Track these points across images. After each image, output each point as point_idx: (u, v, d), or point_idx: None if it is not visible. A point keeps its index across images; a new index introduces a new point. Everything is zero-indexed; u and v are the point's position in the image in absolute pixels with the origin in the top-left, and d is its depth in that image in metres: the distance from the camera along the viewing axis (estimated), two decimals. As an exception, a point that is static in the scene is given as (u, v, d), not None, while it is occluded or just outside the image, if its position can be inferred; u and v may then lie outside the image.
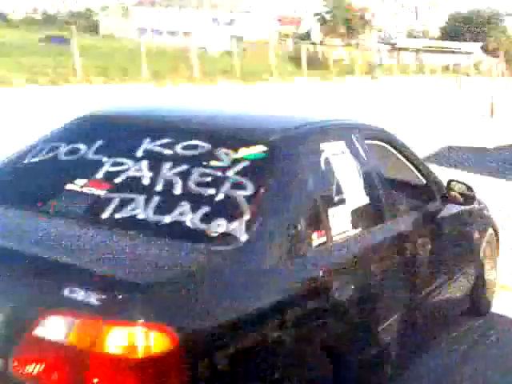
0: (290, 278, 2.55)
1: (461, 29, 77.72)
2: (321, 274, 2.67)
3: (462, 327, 4.55)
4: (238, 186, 2.67)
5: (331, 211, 2.91)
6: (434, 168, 4.52)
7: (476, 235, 4.62)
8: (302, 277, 2.61)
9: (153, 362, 1.96)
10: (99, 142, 3.13)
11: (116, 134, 3.31)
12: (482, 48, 71.23)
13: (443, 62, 59.52)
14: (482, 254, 4.74)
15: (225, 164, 2.79)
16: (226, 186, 2.67)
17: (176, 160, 2.87)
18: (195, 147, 2.93)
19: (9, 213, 2.82)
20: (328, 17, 55.50)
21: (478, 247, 4.68)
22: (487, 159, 12.07)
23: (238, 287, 2.30)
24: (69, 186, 2.87)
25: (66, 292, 2.03)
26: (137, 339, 1.96)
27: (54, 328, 2.03)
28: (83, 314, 2.01)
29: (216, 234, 2.45)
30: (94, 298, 1.99)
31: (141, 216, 2.59)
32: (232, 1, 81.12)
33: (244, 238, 2.42)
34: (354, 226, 3.02)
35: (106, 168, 2.92)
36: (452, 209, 4.15)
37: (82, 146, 3.13)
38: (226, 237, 2.44)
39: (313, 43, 52.30)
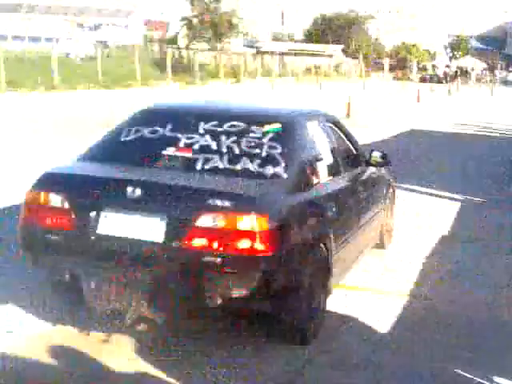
0: (307, 197, 4.54)
1: (324, 32, 79.89)
2: (318, 196, 4.73)
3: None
4: (272, 147, 4.57)
5: (318, 164, 4.84)
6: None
7: (383, 189, 6.62)
8: (311, 197, 4.60)
9: (262, 233, 3.89)
10: (169, 125, 4.89)
11: (178, 119, 5.06)
12: (342, 50, 74.00)
13: (306, 64, 61.75)
14: (386, 202, 6.67)
15: (258, 135, 4.69)
16: (265, 147, 4.58)
17: (227, 134, 4.72)
18: (235, 126, 4.80)
19: (134, 168, 4.59)
20: (195, 21, 55.94)
21: (384, 197, 6.61)
22: None
23: (286, 200, 4.28)
24: (165, 152, 4.62)
25: (210, 201, 3.94)
26: (253, 222, 3.88)
27: (208, 220, 3.93)
28: (224, 212, 3.90)
29: (269, 174, 4.36)
30: (228, 203, 3.91)
31: (221, 166, 4.43)
32: (99, 6, 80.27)
33: (285, 176, 4.37)
34: (327, 174, 4.98)
35: (184, 141, 4.69)
36: (370, 170, 6.17)
37: (158, 128, 4.88)
38: (275, 176, 4.36)
39: (179, 48, 52.87)
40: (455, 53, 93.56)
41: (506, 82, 71.12)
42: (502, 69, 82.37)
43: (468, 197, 9.83)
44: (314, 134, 5.11)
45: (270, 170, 4.40)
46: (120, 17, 72.98)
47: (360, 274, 5.95)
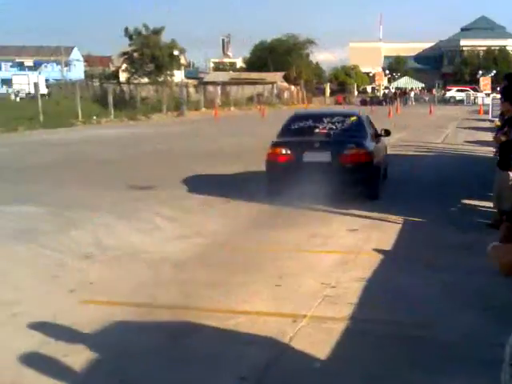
0: (375, 145, 11.91)
1: (264, 59, 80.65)
2: (377, 145, 12.18)
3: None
4: (361, 128, 11.99)
5: (372, 135, 12.15)
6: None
7: (385, 144, 13.63)
8: (376, 145, 12.10)
9: (367, 154, 11.17)
10: (310, 120, 12.24)
11: (312, 117, 12.66)
12: (284, 77, 74.87)
13: (249, 92, 62.31)
14: (385, 147, 13.63)
15: (349, 122, 12.06)
16: (356, 129, 11.91)
17: (337, 122, 11.92)
18: (338, 118, 12.10)
19: (306, 137, 11.72)
20: (135, 55, 55.84)
21: (385, 147, 13.68)
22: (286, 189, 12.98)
23: (371, 145, 11.61)
24: (315, 131, 11.77)
25: (348, 145, 11.23)
26: (362, 152, 11.14)
27: (347, 151, 11.12)
28: (353, 148, 11.15)
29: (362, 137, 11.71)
30: (354, 145, 11.21)
31: (335, 140, 11.49)
32: (39, 44, 79.68)
33: (369, 138, 11.78)
34: (373, 141, 11.87)
35: (320, 126, 11.81)
36: (382, 138, 13.10)
37: (308, 122, 12.17)
38: (364, 137, 11.69)
39: (120, 83, 52.73)
40: (394, 74, 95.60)
41: (443, 101, 72.92)
42: (439, 87, 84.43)
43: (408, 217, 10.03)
44: (368, 121, 12.76)
45: (361, 135, 11.69)
46: (60, 54, 72.37)
47: (299, 299, 6.02)
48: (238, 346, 5.06)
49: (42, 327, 5.38)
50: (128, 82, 52.70)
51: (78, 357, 4.80)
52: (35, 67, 70.48)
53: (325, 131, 11.63)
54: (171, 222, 9.65)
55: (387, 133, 12.93)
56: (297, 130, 11.92)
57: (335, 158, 10.97)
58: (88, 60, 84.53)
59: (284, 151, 11.31)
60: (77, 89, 38.30)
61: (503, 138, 8.50)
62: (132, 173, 15.24)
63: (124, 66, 58.17)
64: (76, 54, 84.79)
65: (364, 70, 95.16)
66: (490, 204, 9.72)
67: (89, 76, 64.63)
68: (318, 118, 12.28)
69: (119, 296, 6.24)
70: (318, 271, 7.07)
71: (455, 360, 4.81)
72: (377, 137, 12.44)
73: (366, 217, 10.01)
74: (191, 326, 5.47)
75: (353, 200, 11.23)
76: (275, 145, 11.47)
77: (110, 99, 39.14)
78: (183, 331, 5.39)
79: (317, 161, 10.89)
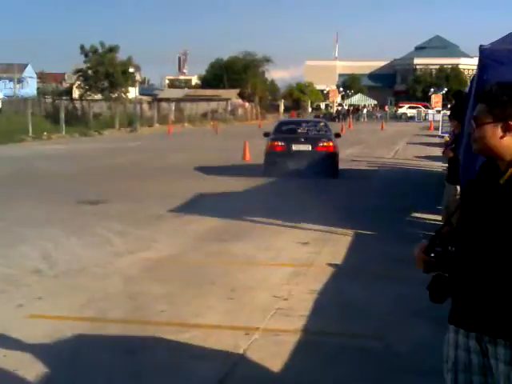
0: (336, 140, 18.83)
1: (220, 76, 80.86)
2: (336, 142, 18.91)
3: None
4: (324, 128, 18.86)
5: (332, 135, 19.11)
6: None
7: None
8: (336, 140, 18.85)
9: (332, 146, 17.90)
10: (293, 125, 19.59)
11: (293, 123, 20.44)
12: (239, 94, 75.13)
13: (203, 109, 62.32)
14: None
15: (319, 126, 19.01)
16: (324, 130, 18.64)
17: (311, 125, 18.87)
18: (312, 123, 19.51)
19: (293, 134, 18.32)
20: (90, 72, 55.41)
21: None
22: (236, 203, 12.94)
23: (334, 140, 18.49)
24: (298, 131, 18.49)
25: (321, 139, 18.17)
26: (330, 145, 17.92)
27: (321, 143, 17.89)
28: (325, 141, 17.97)
29: (328, 135, 18.38)
30: (326, 139, 18.10)
31: (314, 134, 18.28)
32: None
33: (332, 136, 18.36)
34: (334, 138, 18.61)
35: (301, 128, 18.57)
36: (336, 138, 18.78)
37: (291, 126, 19.41)
38: (329, 135, 18.35)
39: (73, 99, 52.21)
40: (348, 91, 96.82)
41: (395, 117, 74.11)
42: (391, 104, 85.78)
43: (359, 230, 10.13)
44: (329, 126, 19.29)
45: (327, 135, 18.10)
46: (13, 71, 71.31)
47: (252, 312, 6.01)
48: (191, 360, 5.01)
49: (-12, 342, 5.26)
50: (81, 98, 52.23)
51: (28, 371, 4.70)
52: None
53: (305, 131, 18.45)
54: (121, 237, 9.55)
55: (338, 135, 19.10)
56: (285, 131, 18.82)
57: (314, 147, 17.52)
58: (41, 77, 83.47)
59: (279, 143, 17.77)
60: (28, 105, 37.78)
61: (451, 154, 8.66)
62: (82, 188, 15.05)
63: (78, 82, 57.67)
64: (30, 71, 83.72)
65: (318, 87, 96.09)
66: (439, 217, 9.87)
67: (41, 93, 63.78)
68: (297, 123, 20.29)
69: (69, 311, 6.13)
70: (271, 284, 7.07)
71: (409, 371, 4.84)
72: (335, 136, 18.50)
73: (317, 230, 10.06)
74: (143, 341, 5.40)
75: (304, 213, 11.31)
76: (273, 140, 17.99)
77: (62, 115, 38.70)
78: (135, 346, 5.32)
79: (301, 149, 17.57)
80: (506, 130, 2.51)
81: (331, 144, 17.50)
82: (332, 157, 17.32)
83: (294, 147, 17.43)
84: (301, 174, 16.41)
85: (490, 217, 2.51)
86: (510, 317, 2.44)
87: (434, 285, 2.71)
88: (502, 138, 2.52)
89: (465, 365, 2.63)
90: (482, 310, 2.52)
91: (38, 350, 5.12)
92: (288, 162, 16.96)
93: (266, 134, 18.79)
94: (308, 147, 17.46)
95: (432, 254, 2.69)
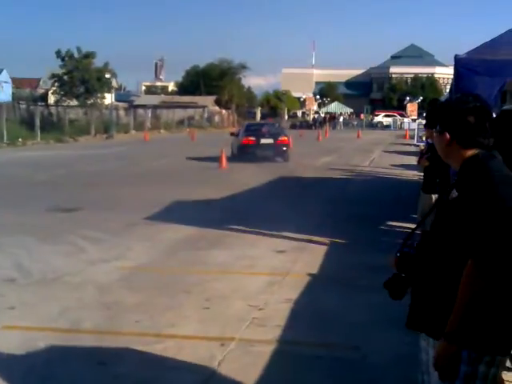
0: (287, 134, 28.44)
1: (196, 83, 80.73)
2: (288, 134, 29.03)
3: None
4: (279, 128, 29.44)
5: (285, 132, 29.98)
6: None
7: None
8: (288, 134, 28.90)
9: (287, 140, 26.61)
10: (257, 126, 29.20)
11: (257, 125, 30.84)
12: (215, 101, 75.08)
13: (179, 116, 62.21)
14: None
15: (276, 127, 29.62)
16: (279, 128, 29.04)
17: (269, 127, 28.00)
18: (271, 125, 29.53)
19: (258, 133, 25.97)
20: (66, 78, 55.07)
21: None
22: (212, 211, 12.99)
23: (287, 134, 28.03)
24: (261, 130, 26.31)
25: (280, 135, 26.57)
26: (285, 139, 26.22)
27: (280, 138, 25.98)
28: (282, 136, 26.39)
29: (283, 133, 27.26)
30: (283, 135, 26.53)
31: (273, 132, 26.35)
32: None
33: (285, 133, 27.64)
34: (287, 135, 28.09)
35: (263, 128, 26.76)
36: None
37: (256, 126, 28.24)
38: (284, 133, 27.05)
39: (48, 105, 51.80)
40: (324, 99, 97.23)
41: (371, 126, 74.53)
42: (367, 112, 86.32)
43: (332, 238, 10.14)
44: (280, 126, 32.49)
45: (283, 132, 26.69)
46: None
47: (227, 322, 5.98)
48: (165, 372, 4.97)
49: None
50: (56, 104, 51.86)
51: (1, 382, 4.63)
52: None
53: (266, 130, 26.29)
54: (95, 245, 9.47)
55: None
56: (252, 130, 26.41)
57: (275, 141, 25.16)
58: (16, 82, 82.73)
59: (250, 138, 25.19)
60: (3, 110, 37.42)
61: (426, 163, 8.71)
62: (56, 195, 14.93)
63: (53, 88, 57.26)
64: (4, 76, 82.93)
65: (295, 94, 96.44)
66: (414, 226, 9.90)
67: (17, 98, 63.21)
68: (261, 124, 30.50)
69: (42, 321, 6.06)
70: (246, 293, 7.04)
71: (386, 382, 4.84)
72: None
73: (292, 238, 10.06)
74: (118, 351, 5.34)
75: (280, 221, 11.31)
76: (245, 136, 25.34)
77: (37, 121, 38.42)
78: (109, 356, 5.26)
79: (266, 143, 25.06)
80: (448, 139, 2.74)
81: (286, 138, 25.74)
82: (286, 147, 25.35)
83: (262, 141, 25.13)
84: (266, 159, 24.28)
85: (443, 225, 2.70)
86: (441, 317, 2.60)
87: (390, 283, 2.89)
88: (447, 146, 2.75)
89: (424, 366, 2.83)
90: (424, 311, 2.72)
91: (11, 362, 5.05)
92: (257, 151, 24.90)
93: (233, 134, 27.70)
94: (271, 141, 25.18)
95: (398, 254, 2.90)
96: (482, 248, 2.51)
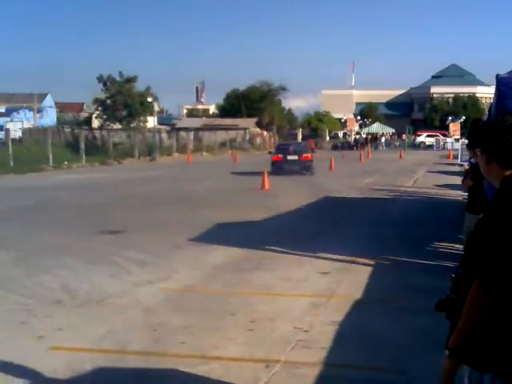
0: (312, 153, 36.00)
1: (237, 105, 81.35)
2: (313, 154, 36.39)
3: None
4: (306, 147, 35.04)
5: (310, 150, 36.30)
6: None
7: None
8: (313, 153, 37.73)
9: (310, 156, 31.90)
10: (286, 145, 32.99)
11: (286, 145, 34.44)
12: (257, 123, 75.45)
13: (221, 138, 62.66)
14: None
15: (301, 145, 35.68)
16: (304, 147, 33.80)
17: (296, 145, 34.16)
18: (297, 144, 38.17)
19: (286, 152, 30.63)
20: (109, 102, 56.13)
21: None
22: (255, 232, 12.96)
23: (311, 153, 34.03)
24: (289, 149, 30.74)
25: (304, 152, 31.82)
26: (309, 156, 31.03)
27: (304, 155, 30.70)
28: (306, 154, 31.38)
29: (308, 151, 32.66)
30: (306, 152, 32.05)
31: (298, 150, 31.09)
32: (11, 91, 79.56)
33: (310, 152, 33.31)
34: (311, 152, 35.26)
35: (290, 147, 31.30)
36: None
37: (285, 146, 32.63)
38: (309, 151, 32.98)
39: (92, 129, 52.79)
40: (365, 120, 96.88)
41: (413, 146, 73.92)
42: (409, 133, 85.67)
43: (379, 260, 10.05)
44: (304, 143, 43.12)
45: (307, 151, 31.66)
46: (32, 101, 72.18)
47: (272, 344, 5.96)
48: (210, 394, 4.96)
49: (10, 374, 5.27)
50: (100, 127, 52.81)
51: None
52: (8, 113, 70.12)
53: (293, 148, 30.81)
54: (141, 267, 9.55)
55: (313, 150, 36.07)
56: (281, 149, 31.28)
57: (299, 157, 29.47)
58: (60, 106, 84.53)
59: (279, 155, 29.75)
60: (48, 134, 38.21)
61: (470, 183, 8.60)
62: (102, 217, 15.13)
63: (97, 112, 58.32)
64: (49, 101, 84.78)
65: (336, 116, 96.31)
66: (461, 246, 9.77)
67: (61, 122, 64.53)
68: (288, 144, 34.60)
69: (89, 342, 6.11)
70: (291, 315, 7.01)
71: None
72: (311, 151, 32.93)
73: (337, 260, 10.00)
74: (163, 373, 5.37)
75: (325, 242, 11.26)
76: (275, 154, 30.38)
77: (82, 144, 39.10)
78: (155, 378, 5.29)
79: (292, 159, 29.26)
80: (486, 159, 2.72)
81: (309, 155, 30.42)
82: (310, 162, 29.68)
83: (288, 157, 29.58)
84: (292, 172, 28.53)
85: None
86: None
87: (441, 305, 2.84)
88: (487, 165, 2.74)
89: None
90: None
91: (58, 383, 5.10)
92: (285, 166, 29.15)
93: (270, 152, 33.64)
94: (296, 157, 29.63)
95: (453, 275, 2.86)
96: (484, 268, 2.48)
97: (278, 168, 28.85)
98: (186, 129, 60.81)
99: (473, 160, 8.98)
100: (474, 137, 9.04)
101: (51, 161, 35.30)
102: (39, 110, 77.45)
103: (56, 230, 12.99)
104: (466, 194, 9.55)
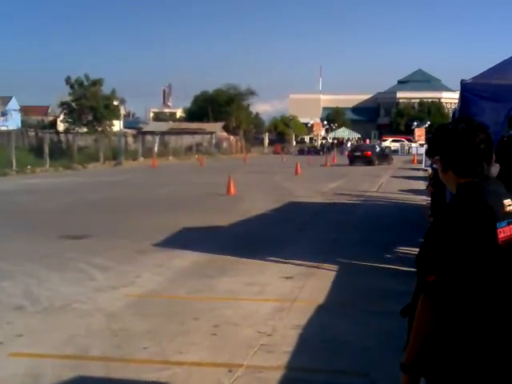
0: (378, 151, 52.17)
1: (204, 109, 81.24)
2: (378, 152, 51.15)
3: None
4: (372, 146, 53.13)
5: (376, 149, 52.85)
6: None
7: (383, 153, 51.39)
8: (379, 149, 54.38)
9: (372, 153, 49.22)
10: (356, 146, 56.38)
11: (357, 146, 61.60)
12: (223, 127, 75.45)
13: (188, 142, 62.51)
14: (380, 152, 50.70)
15: (369, 146, 55.50)
16: (371, 147, 53.02)
17: (362, 145, 59.61)
18: (364, 145, 61.59)
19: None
20: (74, 105, 55.64)
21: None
22: (220, 237, 12.97)
23: (375, 151, 50.84)
24: (357, 148, 52.50)
25: (366, 150, 49.73)
26: (369, 152, 48.40)
27: (368, 152, 48.53)
28: (369, 151, 48.64)
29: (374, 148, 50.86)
30: (370, 150, 49.55)
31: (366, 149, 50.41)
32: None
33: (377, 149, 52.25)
34: (377, 150, 51.09)
35: (358, 147, 54.73)
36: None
37: (356, 146, 57.72)
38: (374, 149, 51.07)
39: (57, 132, 52.24)
40: (332, 125, 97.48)
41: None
42: (374, 138, 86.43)
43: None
44: (376, 145, 57.79)
45: (367, 148, 50.90)
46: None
47: (236, 348, 5.96)
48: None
49: (-33, 382, 5.18)
50: (66, 131, 52.28)
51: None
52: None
53: (360, 147, 52.12)
54: (104, 272, 9.48)
55: (384, 151, 51.78)
56: (353, 148, 54.28)
57: (362, 153, 46.86)
58: (25, 110, 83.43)
59: (351, 152, 49.84)
60: (12, 138, 37.67)
61: (432, 190, 8.72)
62: (66, 222, 14.98)
63: (62, 116, 57.77)
64: (13, 104, 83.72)
65: (303, 120, 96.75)
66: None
67: (26, 125, 63.73)
68: (359, 145, 62.12)
69: (50, 348, 6.04)
70: (254, 320, 7.02)
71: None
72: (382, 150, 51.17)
73: (301, 264, 10.03)
74: (125, 379, 5.32)
75: (289, 247, 11.30)
76: (350, 152, 51.26)
77: (46, 148, 38.65)
78: (117, 384, 5.24)
79: (358, 154, 46.98)
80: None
81: (369, 152, 45.81)
82: (370, 156, 44.89)
83: (356, 153, 46.40)
84: (362, 163, 43.87)
85: None
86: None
87: (407, 311, 2.83)
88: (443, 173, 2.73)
89: None
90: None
91: (18, 390, 5.03)
92: (355, 158, 45.07)
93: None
94: (360, 153, 45.80)
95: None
96: (430, 285, 2.43)
97: (352, 161, 46.28)
98: (153, 133, 60.57)
99: (435, 165, 9.12)
100: (431, 145, 9.20)
101: (14, 165, 34.84)
102: (3, 114, 76.44)
103: (18, 236, 12.83)
104: (429, 199, 9.68)
